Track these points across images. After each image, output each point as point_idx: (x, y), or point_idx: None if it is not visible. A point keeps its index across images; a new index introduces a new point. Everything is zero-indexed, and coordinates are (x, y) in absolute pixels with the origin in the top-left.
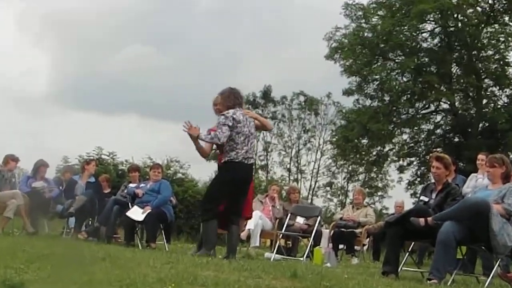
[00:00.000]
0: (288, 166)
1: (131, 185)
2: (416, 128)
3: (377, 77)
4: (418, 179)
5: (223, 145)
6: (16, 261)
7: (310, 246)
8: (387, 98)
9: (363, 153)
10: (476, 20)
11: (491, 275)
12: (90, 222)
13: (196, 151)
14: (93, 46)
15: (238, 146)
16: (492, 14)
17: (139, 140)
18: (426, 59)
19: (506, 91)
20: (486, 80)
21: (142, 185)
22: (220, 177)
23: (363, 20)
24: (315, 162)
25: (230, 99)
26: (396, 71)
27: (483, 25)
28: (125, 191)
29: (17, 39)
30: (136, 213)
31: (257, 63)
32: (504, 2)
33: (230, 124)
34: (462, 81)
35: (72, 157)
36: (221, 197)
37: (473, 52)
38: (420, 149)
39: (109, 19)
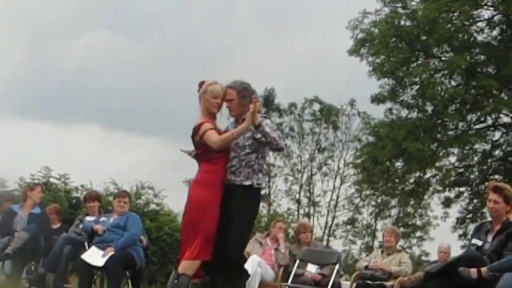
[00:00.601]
0: (297, 196)
1: (88, 218)
2: (467, 148)
3: (416, 79)
4: (470, 215)
5: (249, 163)
6: None
7: None
8: (429, 108)
9: (397, 180)
10: None
11: None
12: (33, 267)
13: (229, 140)
14: (42, 34)
15: (264, 168)
16: None
17: (100, 159)
18: (482, 57)
19: None
20: None
21: (103, 219)
22: (248, 211)
23: (400, 4)
24: (332, 192)
25: (246, 100)
26: (442, 72)
27: None
28: (80, 226)
29: None
30: (95, 256)
31: (256, 59)
32: None
33: None
34: None
35: (10, 180)
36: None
37: None
38: (472, 176)
39: None
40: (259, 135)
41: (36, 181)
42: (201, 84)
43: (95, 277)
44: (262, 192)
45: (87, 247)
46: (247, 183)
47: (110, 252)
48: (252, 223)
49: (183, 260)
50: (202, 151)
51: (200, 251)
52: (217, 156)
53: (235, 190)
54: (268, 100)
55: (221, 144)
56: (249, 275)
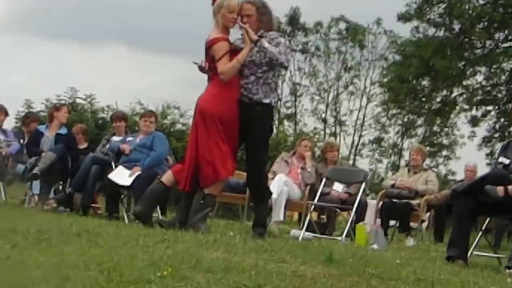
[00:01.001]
0: (323, 115)
1: (114, 138)
2: (495, 66)
3: None
4: (496, 134)
5: (266, 80)
6: None
7: (352, 222)
8: (456, 26)
9: (424, 98)
10: None
11: None
12: (60, 187)
13: (236, 67)
14: None
15: (278, 86)
16: None
17: (126, 79)
18: None
19: None
20: None
21: (129, 138)
22: (268, 127)
23: None
24: (359, 111)
25: (265, 17)
26: None
27: None
28: (107, 146)
29: None
30: (122, 176)
31: None
32: None
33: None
34: None
35: (36, 101)
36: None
37: None
38: (499, 95)
39: None
40: (260, 52)
41: (62, 102)
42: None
43: (122, 196)
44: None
45: (114, 167)
46: (266, 101)
47: (137, 171)
48: (268, 140)
49: (207, 180)
50: (216, 64)
51: (225, 168)
52: None
53: (252, 108)
54: (294, 19)
55: (231, 73)
56: (271, 194)
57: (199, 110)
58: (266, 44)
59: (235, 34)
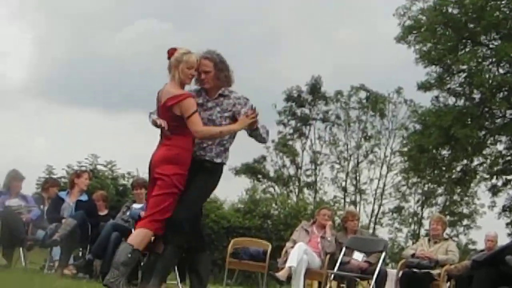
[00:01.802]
0: (343, 184)
1: (135, 205)
2: None
3: (464, 67)
4: None
5: (221, 141)
6: None
7: None
8: (477, 95)
9: (444, 168)
10: None
11: None
12: (80, 253)
13: (215, 136)
14: (89, 22)
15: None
16: None
17: (146, 146)
18: None
19: None
20: None
21: None
22: (212, 181)
23: None
24: (379, 180)
25: (223, 74)
26: (490, 59)
27: None
28: (127, 213)
29: None
30: None
31: (302, 46)
32: None
33: None
34: None
35: (58, 167)
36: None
37: None
38: None
39: None
40: (250, 132)
41: (83, 168)
42: (171, 51)
43: (141, 263)
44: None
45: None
46: (218, 160)
47: None
48: (209, 195)
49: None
50: (179, 124)
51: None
52: (189, 131)
53: (202, 165)
54: (315, 88)
55: (206, 137)
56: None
57: (150, 167)
58: (261, 130)
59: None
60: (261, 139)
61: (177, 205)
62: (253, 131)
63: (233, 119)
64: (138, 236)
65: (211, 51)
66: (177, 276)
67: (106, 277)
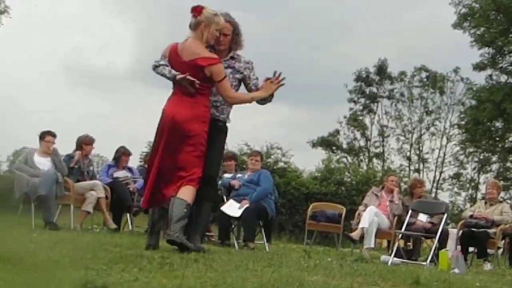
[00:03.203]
0: (408, 154)
1: (226, 175)
2: None
3: None
4: None
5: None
6: (97, 262)
7: (435, 249)
8: None
9: (497, 138)
10: None
11: None
12: None
13: (246, 102)
14: (185, 14)
15: None
16: None
17: (234, 123)
18: None
19: None
20: None
21: (238, 175)
22: (224, 143)
23: None
24: (439, 150)
25: (239, 38)
26: None
27: None
28: (219, 182)
29: (96, 8)
30: (232, 208)
31: (370, 33)
32: None
33: None
34: None
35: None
36: None
37: None
38: None
39: None
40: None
41: None
42: (198, 9)
43: (233, 226)
44: None
45: (225, 200)
46: (228, 122)
47: (246, 204)
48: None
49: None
50: (203, 84)
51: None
52: (209, 92)
53: (216, 125)
54: (381, 69)
55: (237, 103)
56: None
57: (175, 126)
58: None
59: None
60: (266, 102)
61: (206, 163)
62: (269, 97)
63: (242, 81)
64: (189, 192)
65: (227, 14)
66: (264, 236)
67: (168, 233)
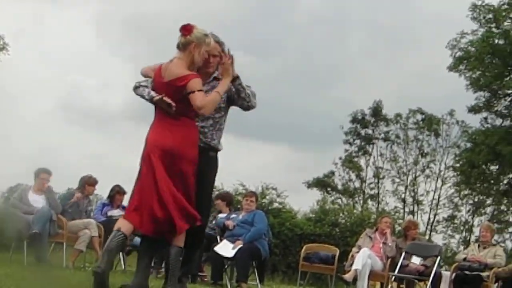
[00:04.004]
0: (402, 196)
1: (220, 215)
2: None
3: (510, 91)
4: None
5: (220, 126)
6: None
7: None
8: None
9: (492, 181)
10: None
11: None
12: None
13: (217, 100)
14: None
15: None
16: None
17: (229, 163)
18: None
19: None
20: None
21: (233, 215)
22: (213, 177)
23: (494, 24)
24: (434, 192)
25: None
26: None
27: None
28: (214, 222)
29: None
30: (226, 248)
31: (365, 75)
32: None
33: None
34: None
35: None
36: None
37: None
38: None
39: (203, 24)
40: (233, 90)
41: None
42: (188, 28)
43: (226, 266)
44: None
45: (219, 240)
46: (220, 148)
47: (239, 244)
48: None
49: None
50: (185, 105)
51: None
52: (195, 113)
53: (207, 153)
54: (377, 111)
55: (211, 107)
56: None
57: (164, 149)
58: (244, 84)
59: None
60: (245, 96)
61: (198, 203)
62: (235, 80)
63: (228, 101)
64: (183, 237)
65: (213, 34)
66: (257, 277)
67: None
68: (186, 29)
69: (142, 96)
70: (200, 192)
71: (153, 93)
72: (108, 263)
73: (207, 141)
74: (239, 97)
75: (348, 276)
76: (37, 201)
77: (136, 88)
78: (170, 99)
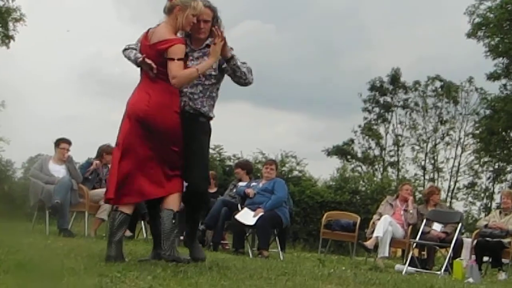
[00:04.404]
0: (422, 163)
1: (240, 183)
2: None
3: None
4: None
5: (211, 93)
6: (111, 269)
7: (449, 258)
8: None
9: None
10: None
11: None
12: None
13: (193, 78)
14: None
15: None
16: None
17: (249, 131)
18: None
19: None
20: None
21: (253, 184)
22: (209, 140)
23: None
24: (454, 159)
25: (216, 25)
26: None
27: None
28: (234, 190)
29: (113, 16)
30: (247, 216)
31: (384, 42)
32: None
33: None
34: None
35: None
36: None
37: None
38: None
39: None
40: (228, 69)
41: None
42: None
43: (247, 234)
44: None
45: (240, 208)
46: (211, 115)
47: (260, 212)
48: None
49: (168, 194)
50: (166, 69)
51: (180, 182)
52: None
53: (197, 118)
54: (395, 79)
55: (184, 82)
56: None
57: (138, 116)
58: (239, 63)
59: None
60: (242, 75)
61: (192, 172)
62: (230, 61)
63: (220, 70)
64: (176, 200)
65: (207, 0)
66: (278, 244)
67: (162, 253)
68: None
69: (129, 58)
70: (191, 156)
71: (138, 55)
72: (117, 250)
73: (196, 107)
74: (235, 76)
75: (369, 243)
76: (58, 171)
77: (124, 50)
78: (153, 61)
